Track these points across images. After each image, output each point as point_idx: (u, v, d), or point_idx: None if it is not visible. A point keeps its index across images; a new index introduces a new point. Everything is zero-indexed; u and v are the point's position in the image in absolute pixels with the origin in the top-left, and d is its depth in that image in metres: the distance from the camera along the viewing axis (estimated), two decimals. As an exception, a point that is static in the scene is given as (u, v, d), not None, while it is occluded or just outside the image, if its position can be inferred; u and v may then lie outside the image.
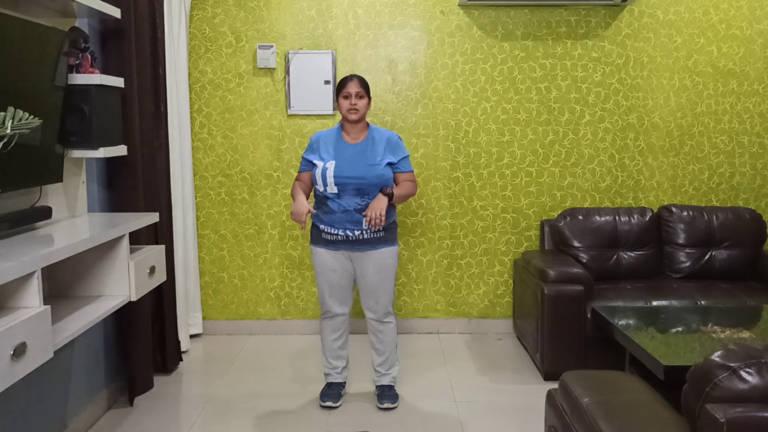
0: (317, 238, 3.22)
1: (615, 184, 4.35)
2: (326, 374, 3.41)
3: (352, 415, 3.22)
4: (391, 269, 3.24)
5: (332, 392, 3.34)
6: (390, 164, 3.15)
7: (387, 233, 3.19)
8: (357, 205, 3.10)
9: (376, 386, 3.39)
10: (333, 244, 3.18)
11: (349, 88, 3.14)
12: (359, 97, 3.13)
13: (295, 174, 4.31)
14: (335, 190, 3.09)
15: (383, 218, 3.01)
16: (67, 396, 2.92)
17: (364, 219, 3.06)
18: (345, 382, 3.45)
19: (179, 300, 3.88)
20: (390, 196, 3.07)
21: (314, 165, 3.15)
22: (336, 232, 3.14)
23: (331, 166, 3.10)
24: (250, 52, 4.22)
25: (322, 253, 3.21)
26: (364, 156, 3.13)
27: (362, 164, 3.11)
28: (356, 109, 3.13)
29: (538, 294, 3.62)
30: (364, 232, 3.12)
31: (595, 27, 4.23)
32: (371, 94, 3.24)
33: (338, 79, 4.20)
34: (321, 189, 3.13)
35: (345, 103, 3.14)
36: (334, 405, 3.29)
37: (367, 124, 3.24)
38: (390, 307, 3.29)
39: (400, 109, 4.24)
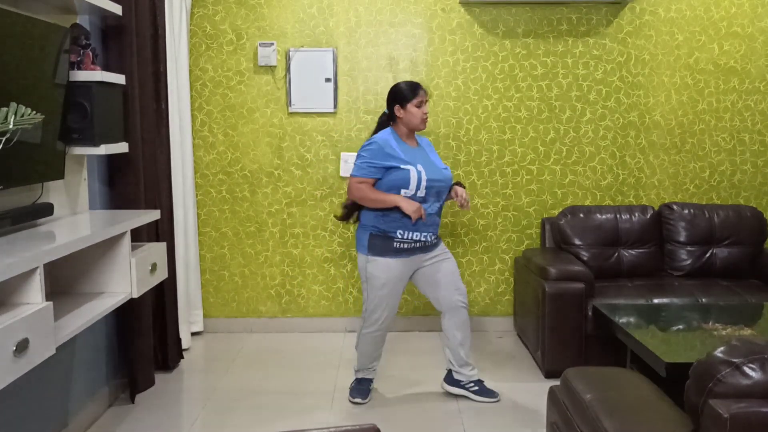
0: (385, 248, 3.09)
1: (616, 182, 4.35)
2: (360, 370, 3.36)
3: (353, 412, 3.22)
4: None
5: (363, 387, 3.34)
6: None
7: None
8: (436, 208, 3.17)
9: (470, 382, 3.35)
10: (407, 252, 3.12)
11: (423, 96, 3.14)
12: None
13: (297, 172, 4.30)
14: (423, 193, 3.08)
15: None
16: (69, 393, 2.91)
17: (457, 198, 3.18)
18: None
19: (180, 297, 3.88)
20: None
21: (400, 169, 3.04)
22: (418, 237, 3.10)
23: (422, 169, 3.07)
24: (251, 49, 4.22)
25: (392, 264, 3.11)
26: (434, 160, 3.20)
27: (439, 168, 3.17)
28: (427, 118, 3.20)
29: (539, 292, 3.62)
30: (433, 235, 3.20)
31: (597, 24, 4.22)
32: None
33: (339, 78, 4.22)
34: (411, 194, 3.06)
35: (418, 112, 3.11)
36: (363, 401, 3.30)
37: None
38: None
39: (401, 107, 4.24)
